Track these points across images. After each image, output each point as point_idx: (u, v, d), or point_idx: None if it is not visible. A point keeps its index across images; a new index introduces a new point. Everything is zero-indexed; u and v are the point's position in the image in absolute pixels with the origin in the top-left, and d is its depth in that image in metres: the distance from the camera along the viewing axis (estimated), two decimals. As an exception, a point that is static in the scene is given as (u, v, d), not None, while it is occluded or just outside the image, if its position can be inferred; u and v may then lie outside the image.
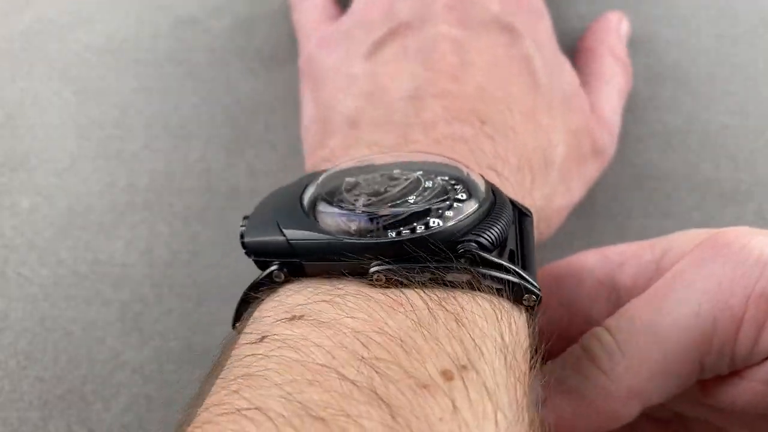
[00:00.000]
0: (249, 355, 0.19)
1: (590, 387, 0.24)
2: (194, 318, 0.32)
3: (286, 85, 0.38)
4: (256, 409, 0.17)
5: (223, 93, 0.37)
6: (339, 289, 0.21)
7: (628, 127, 0.36)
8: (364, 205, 0.22)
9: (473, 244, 0.21)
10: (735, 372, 0.24)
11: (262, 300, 0.22)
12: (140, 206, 0.34)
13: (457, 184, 0.23)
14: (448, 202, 0.22)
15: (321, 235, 0.22)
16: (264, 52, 0.38)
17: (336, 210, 0.22)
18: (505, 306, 0.21)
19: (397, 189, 0.23)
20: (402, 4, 0.33)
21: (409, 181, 0.23)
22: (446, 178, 0.23)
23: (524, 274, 0.22)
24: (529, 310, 0.22)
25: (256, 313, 0.22)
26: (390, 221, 0.22)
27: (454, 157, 0.25)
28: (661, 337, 0.23)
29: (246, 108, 0.37)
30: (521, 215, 0.25)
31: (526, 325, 0.22)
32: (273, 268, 0.22)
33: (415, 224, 0.22)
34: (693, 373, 0.24)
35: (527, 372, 0.21)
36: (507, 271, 0.21)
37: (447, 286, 0.21)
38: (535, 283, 0.22)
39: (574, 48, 0.37)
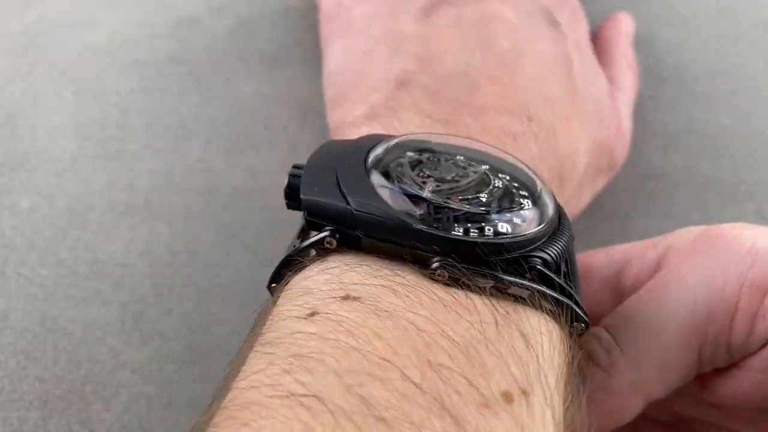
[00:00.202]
0: (300, 332, 0.18)
1: (591, 385, 0.24)
2: (194, 318, 0.32)
3: (286, 85, 0.38)
4: (313, 396, 0.16)
5: (223, 93, 0.37)
6: (399, 276, 0.20)
7: (628, 127, 0.36)
8: (431, 192, 0.21)
9: (538, 259, 0.20)
10: (733, 364, 0.24)
11: (305, 266, 0.21)
12: (140, 206, 0.34)
13: (521, 189, 0.22)
14: (515, 209, 0.21)
15: (389, 212, 0.20)
16: (265, 52, 0.38)
17: (400, 188, 0.21)
18: (559, 330, 0.21)
19: (466, 181, 0.22)
20: None
21: (477, 175, 0.22)
22: (508, 178, 0.22)
23: (579, 301, 0.21)
24: (576, 337, 0.21)
25: (301, 281, 0.20)
26: (459, 215, 0.20)
27: (520, 158, 0.24)
28: (658, 331, 0.23)
29: (246, 108, 0.37)
30: None
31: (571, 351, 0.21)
32: (326, 233, 0.20)
33: (483, 225, 0.20)
34: (692, 365, 0.24)
35: (580, 399, 0.20)
36: (568, 294, 0.21)
37: (508, 297, 0.20)
38: (585, 311, 0.21)
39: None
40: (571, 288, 0.21)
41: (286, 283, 0.21)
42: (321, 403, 0.16)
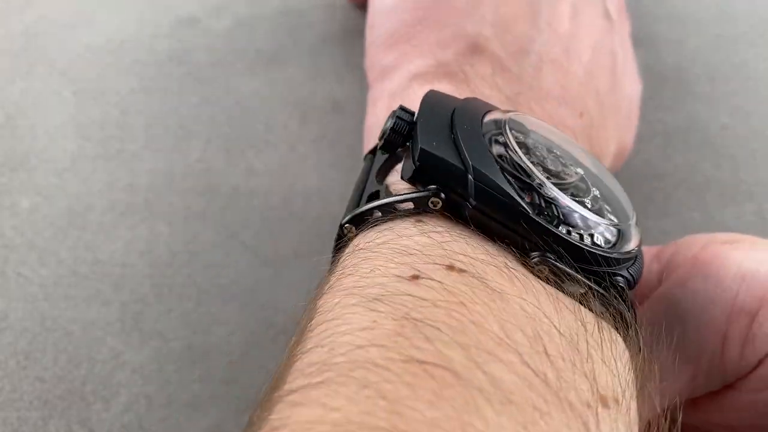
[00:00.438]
0: (408, 295, 0.17)
1: None
2: (194, 318, 0.32)
3: (286, 85, 0.38)
4: (442, 367, 0.15)
5: (223, 93, 0.37)
6: (504, 258, 0.19)
7: (628, 127, 0.36)
8: (538, 184, 0.20)
9: (622, 278, 0.20)
10: (727, 385, 0.24)
11: (392, 219, 0.20)
12: (140, 206, 0.34)
13: (605, 203, 0.21)
14: (607, 223, 0.20)
15: (509, 194, 0.19)
16: (264, 52, 0.38)
17: (510, 170, 0.20)
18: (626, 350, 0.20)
19: (570, 181, 0.21)
20: None
21: (577, 176, 0.21)
22: (597, 194, 0.21)
23: (639, 330, 0.20)
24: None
25: (397, 238, 0.19)
26: (574, 214, 0.20)
27: (608, 171, 0.23)
28: None
29: (246, 108, 0.37)
30: None
31: None
32: (429, 192, 0.19)
33: (582, 231, 0.20)
34: (684, 394, 0.24)
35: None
36: (635, 316, 0.20)
37: (593, 307, 0.19)
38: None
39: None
40: (636, 315, 0.20)
41: (365, 232, 0.20)
42: (452, 375, 0.15)
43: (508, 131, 0.21)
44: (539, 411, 0.15)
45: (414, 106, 0.22)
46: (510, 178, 0.19)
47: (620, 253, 0.20)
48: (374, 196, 0.21)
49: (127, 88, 0.37)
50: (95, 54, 0.38)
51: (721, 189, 0.35)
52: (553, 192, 0.20)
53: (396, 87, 0.26)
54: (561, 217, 0.20)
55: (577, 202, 0.20)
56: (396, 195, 0.20)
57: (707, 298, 0.23)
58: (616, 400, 0.17)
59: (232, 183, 0.35)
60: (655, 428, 0.19)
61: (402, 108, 0.21)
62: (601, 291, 0.19)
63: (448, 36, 0.27)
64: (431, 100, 0.22)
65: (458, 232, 0.19)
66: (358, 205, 0.21)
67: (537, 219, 0.19)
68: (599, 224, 0.20)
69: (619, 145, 0.30)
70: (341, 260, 0.20)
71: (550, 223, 0.19)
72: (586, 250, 0.19)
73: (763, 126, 0.37)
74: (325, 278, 0.19)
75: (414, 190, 0.20)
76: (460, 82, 0.25)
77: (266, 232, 0.34)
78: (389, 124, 0.21)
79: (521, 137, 0.21)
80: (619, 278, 0.20)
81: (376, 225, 0.20)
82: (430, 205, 0.19)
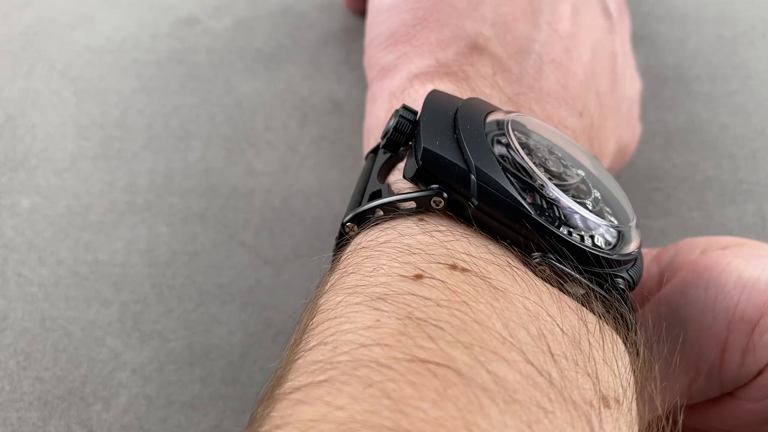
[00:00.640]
0: (412, 294, 0.17)
1: None
2: (194, 318, 0.32)
3: (286, 84, 0.38)
4: (445, 366, 0.15)
5: (223, 93, 0.37)
6: (506, 257, 0.19)
7: (628, 127, 0.36)
8: (540, 185, 0.20)
9: (623, 280, 0.20)
10: (726, 393, 0.24)
11: (394, 218, 0.20)
12: (140, 206, 0.34)
13: (606, 205, 0.21)
14: (608, 225, 0.20)
15: (511, 194, 0.19)
16: (264, 52, 0.38)
17: (512, 170, 0.20)
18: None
19: (571, 182, 0.21)
20: None
21: (579, 178, 0.21)
22: (598, 195, 0.21)
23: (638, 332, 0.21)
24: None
25: (400, 237, 0.19)
26: (575, 215, 0.20)
27: (609, 172, 0.23)
28: None
29: (246, 108, 0.37)
30: None
31: None
32: (432, 192, 0.19)
33: (583, 232, 0.20)
34: (681, 400, 0.24)
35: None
36: (635, 318, 0.20)
37: (594, 308, 0.19)
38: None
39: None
40: (635, 317, 0.20)
41: (366, 231, 0.20)
42: (456, 374, 0.15)
43: (510, 132, 0.21)
44: (543, 410, 0.15)
45: (414, 105, 0.22)
46: (512, 179, 0.19)
47: (620, 254, 0.20)
48: (376, 195, 0.21)
49: (127, 88, 0.37)
50: (95, 54, 0.38)
51: (721, 189, 0.35)
52: (555, 193, 0.20)
53: (396, 86, 0.26)
54: (562, 218, 0.20)
55: (579, 203, 0.20)
56: (398, 194, 0.20)
57: (707, 305, 0.23)
58: (618, 400, 0.17)
59: (232, 183, 0.35)
60: (655, 430, 0.19)
61: (405, 107, 0.22)
62: (602, 292, 0.19)
63: (448, 36, 0.27)
64: (434, 99, 0.22)
65: (461, 231, 0.19)
66: (359, 204, 0.21)
67: (539, 219, 0.19)
68: (600, 226, 0.20)
69: (619, 145, 0.30)
70: (343, 259, 0.20)
71: (552, 223, 0.19)
72: (587, 251, 0.19)
73: (763, 126, 0.37)
74: (326, 276, 0.19)
75: (416, 189, 0.20)
76: (461, 81, 0.25)
77: (266, 232, 0.34)
78: (392, 122, 0.21)
79: (523, 138, 0.21)
80: (620, 280, 0.20)
81: (378, 224, 0.20)
82: (433, 204, 0.19)
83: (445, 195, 0.19)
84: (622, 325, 0.20)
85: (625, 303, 0.20)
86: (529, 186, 0.20)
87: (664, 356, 0.23)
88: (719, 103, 0.37)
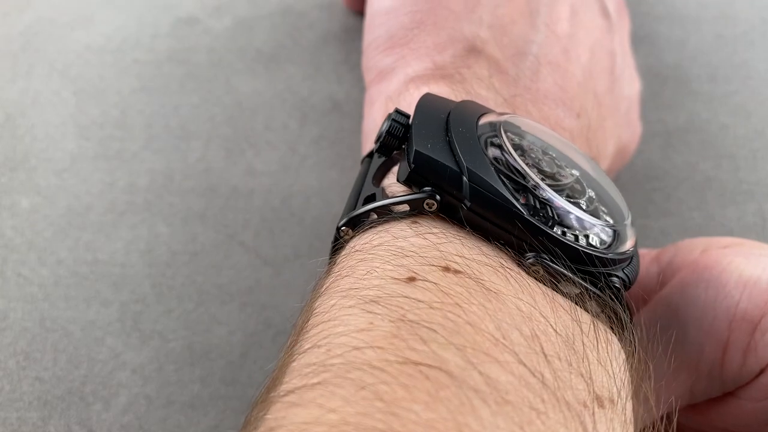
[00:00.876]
0: (404, 297, 0.17)
1: None
2: (194, 318, 0.32)
3: (286, 84, 0.38)
4: (437, 368, 0.15)
5: (223, 93, 0.37)
6: (499, 258, 0.19)
7: (628, 127, 0.36)
8: (533, 185, 0.20)
9: (618, 279, 0.20)
10: (727, 393, 0.24)
11: (388, 221, 0.20)
12: (140, 206, 0.34)
13: (601, 204, 0.21)
14: (603, 224, 0.20)
15: (504, 195, 0.19)
16: (264, 52, 0.38)
17: (505, 172, 0.20)
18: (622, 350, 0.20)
19: (565, 182, 0.21)
20: None
21: (573, 178, 0.21)
22: (593, 195, 0.22)
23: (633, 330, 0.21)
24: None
25: (393, 240, 0.19)
26: (569, 215, 0.20)
27: (604, 170, 0.23)
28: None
29: (246, 108, 0.37)
30: None
31: None
32: (425, 195, 0.19)
33: (577, 232, 0.20)
34: (683, 400, 0.24)
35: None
36: (631, 317, 0.20)
37: (588, 308, 0.19)
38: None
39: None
40: (631, 316, 0.20)
41: (361, 234, 0.20)
42: (447, 376, 0.15)
43: (503, 133, 0.21)
44: (536, 411, 0.15)
45: (411, 108, 0.22)
46: (505, 180, 0.20)
47: (616, 253, 0.20)
48: (371, 198, 0.21)
49: (127, 88, 0.37)
50: (95, 54, 0.38)
51: (721, 189, 0.35)
52: (548, 193, 0.20)
53: (393, 89, 0.26)
54: (556, 218, 0.20)
55: (572, 203, 0.20)
56: (392, 197, 0.20)
57: (708, 304, 0.23)
58: (612, 401, 0.17)
59: (232, 183, 0.35)
60: (651, 430, 0.19)
61: (398, 111, 0.22)
62: (597, 291, 0.19)
63: (445, 39, 0.27)
64: (426, 102, 0.22)
65: (454, 233, 0.19)
66: (354, 208, 0.21)
67: (531, 220, 0.19)
68: (594, 225, 0.20)
69: (618, 145, 0.30)
70: (338, 262, 0.20)
71: (545, 224, 0.19)
72: (581, 250, 0.19)
73: (763, 126, 0.37)
74: (322, 280, 0.20)
75: (409, 192, 0.20)
76: (457, 84, 0.25)
77: (266, 232, 0.34)
78: (385, 127, 0.21)
79: (516, 139, 0.21)
80: (615, 279, 0.20)
81: (372, 227, 0.20)
82: (426, 206, 0.20)
83: (437, 197, 0.20)
84: (617, 324, 0.20)
85: (620, 302, 0.20)
86: (522, 187, 0.20)
87: (665, 355, 0.23)
88: (719, 103, 0.37)
